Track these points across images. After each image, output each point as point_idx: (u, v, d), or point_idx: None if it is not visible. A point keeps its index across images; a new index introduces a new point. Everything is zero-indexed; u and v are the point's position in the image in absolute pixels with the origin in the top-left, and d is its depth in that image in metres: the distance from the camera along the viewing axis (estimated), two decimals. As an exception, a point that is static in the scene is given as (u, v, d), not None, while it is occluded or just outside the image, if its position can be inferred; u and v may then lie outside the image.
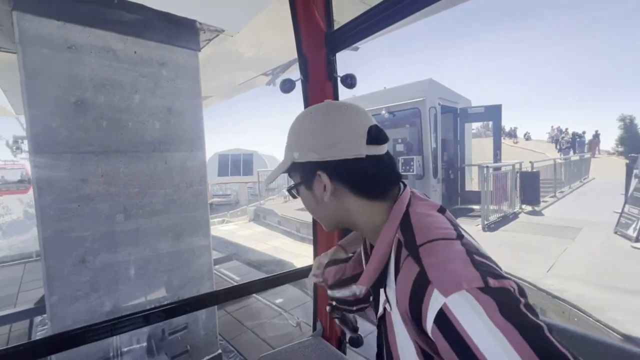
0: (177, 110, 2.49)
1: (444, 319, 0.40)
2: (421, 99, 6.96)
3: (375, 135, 0.58)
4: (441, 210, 0.58)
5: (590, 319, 2.53)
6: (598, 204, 7.47)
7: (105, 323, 1.11)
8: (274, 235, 7.57)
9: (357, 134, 0.58)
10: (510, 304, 0.39)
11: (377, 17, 1.12)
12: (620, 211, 5.32)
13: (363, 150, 0.57)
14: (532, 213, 6.97)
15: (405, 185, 0.62)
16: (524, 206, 7.29)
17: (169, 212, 2.47)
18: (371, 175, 0.59)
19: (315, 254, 1.56)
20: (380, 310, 0.62)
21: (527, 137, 28.18)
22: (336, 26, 1.40)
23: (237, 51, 4.00)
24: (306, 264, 1.50)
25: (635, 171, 4.96)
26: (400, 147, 7.52)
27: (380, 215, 0.59)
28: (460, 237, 0.50)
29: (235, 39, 3.16)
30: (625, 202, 5.30)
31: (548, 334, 0.36)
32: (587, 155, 14.51)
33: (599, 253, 4.24)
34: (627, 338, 2.24)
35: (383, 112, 7.56)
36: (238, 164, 19.04)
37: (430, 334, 0.43)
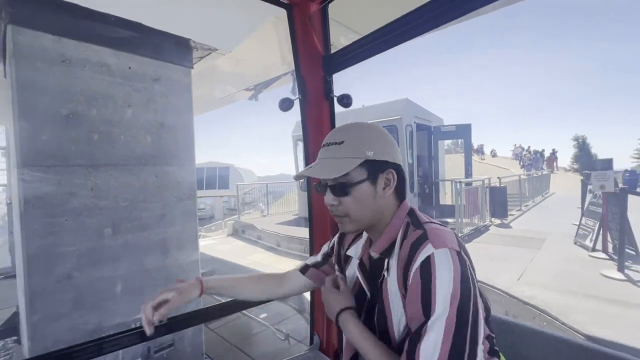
0: (169, 124, 2.52)
1: (427, 263, 0.60)
2: (398, 117, 7.31)
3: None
4: None
5: (557, 322, 2.75)
6: (558, 216, 8.07)
7: (89, 343, 1.07)
8: (254, 250, 7.48)
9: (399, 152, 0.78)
10: (465, 271, 0.60)
11: (369, 45, 1.26)
12: (578, 223, 5.80)
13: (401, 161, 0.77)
14: (501, 225, 7.40)
15: None
16: (493, 219, 7.73)
17: (158, 227, 2.45)
18: (404, 183, 0.77)
19: (312, 253, 1.54)
20: (379, 279, 0.75)
21: (494, 154, 29.93)
22: (332, 49, 1.49)
23: (221, 67, 4.08)
24: None
25: (589, 187, 5.47)
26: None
27: (393, 211, 0.77)
28: (445, 226, 0.71)
29: (222, 56, 3.25)
30: (582, 215, 5.80)
31: (480, 319, 0.60)
32: (547, 172, 15.67)
33: (561, 262, 4.60)
34: (589, 338, 2.46)
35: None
36: (213, 177, 18.70)
37: (411, 275, 0.62)
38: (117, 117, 2.25)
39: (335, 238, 0.98)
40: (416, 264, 0.62)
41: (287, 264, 5.90)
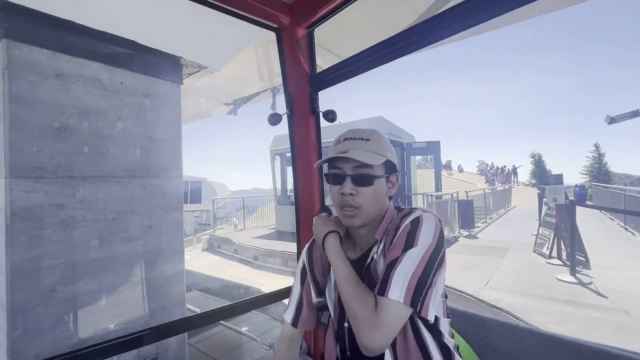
0: (158, 138, 2.58)
1: (416, 220, 0.75)
2: (373, 133, 7.68)
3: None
4: None
5: (521, 322, 3.03)
6: (520, 227, 8.70)
7: (70, 354, 1.06)
8: (231, 265, 7.38)
9: None
10: (442, 236, 0.76)
11: (352, 66, 1.38)
12: (536, 233, 6.32)
13: None
14: (469, 236, 7.86)
15: None
16: (462, 230, 8.20)
17: (145, 239, 2.46)
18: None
19: (299, 255, 1.55)
20: (368, 261, 0.84)
21: (460, 169, 31.60)
22: (318, 69, 1.58)
23: (203, 82, 4.19)
24: (272, 290, 1.52)
25: (544, 200, 6.03)
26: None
27: (384, 211, 0.87)
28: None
29: (204, 72, 3.37)
30: (540, 226, 6.34)
31: (440, 283, 0.75)
32: (508, 186, 16.81)
33: (522, 269, 5.00)
34: (548, 334, 2.74)
35: (339, 144, 8.13)
36: (185, 191, 18.20)
37: (400, 231, 0.75)
38: (107, 131, 2.29)
39: (304, 258, 1.03)
40: (406, 222, 0.76)
41: (267, 278, 5.90)
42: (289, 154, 10.46)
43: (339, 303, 0.87)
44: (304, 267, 1.03)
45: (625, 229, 7.75)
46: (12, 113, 1.91)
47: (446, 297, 0.85)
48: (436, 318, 0.77)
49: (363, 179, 0.80)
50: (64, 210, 2.07)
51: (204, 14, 2.38)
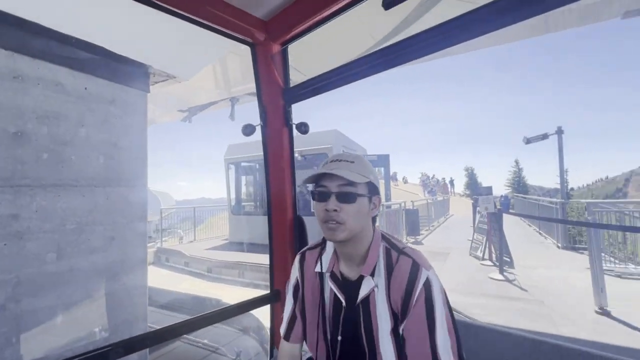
0: (123, 146, 2.51)
1: (428, 283, 0.80)
2: (329, 145, 8.02)
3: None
4: None
5: (462, 315, 3.46)
6: (458, 234, 9.67)
7: None
8: (182, 278, 7.03)
9: None
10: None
11: (324, 82, 1.42)
12: (471, 239, 7.13)
13: None
14: (415, 243, 8.53)
15: None
16: (408, 237, 8.86)
17: (107, 250, 2.36)
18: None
19: (271, 269, 1.64)
20: (365, 292, 0.87)
21: (405, 181, 33.82)
22: (291, 84, 1.61)
23: (167, 90, 4.11)
24: (237, 301, 1.49)
25: (477, 208, 6.86)
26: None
27: (371, 236, 0.91)
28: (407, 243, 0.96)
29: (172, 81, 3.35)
30: (474, 232, 7.17)
31: (453, 313, 0.83)
32: (447, 197, 18.50)
33: (461, 270, 5.62)
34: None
35: (296, 155, 8.32)
36: (127, 201, 16.74)
37: (415, 294, 0.79)
38: (69, 137, 2.19)
39: (297, 271, 1.05)
40: (419, 286, 0.79)
41: (224, 291, 5.76)
42: (244, 163, 10.45)
43: (331, 342, 0.92)
44: (297, 282, 1.04)
45: (540, 233, 9.09)
46: (-37, 116, 1.77)
47: None
48: None
49: (347, 196, 0.84)
50: (18, 221, 1.93)
51: (177, 24, 2.44)
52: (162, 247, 9.08)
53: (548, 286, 4.44)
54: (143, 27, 2.38)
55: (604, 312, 3.42)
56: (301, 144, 8.31)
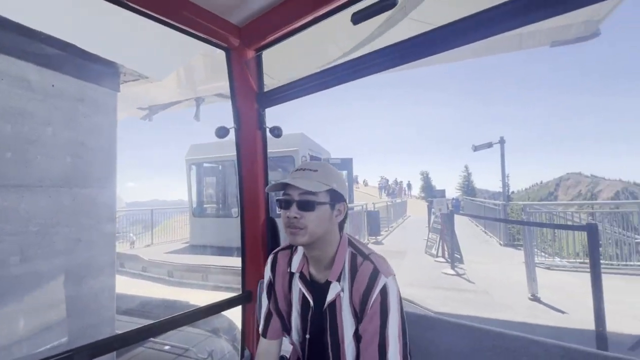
0: (91, 145, 2.45)
1: (384, 289, 0.85)
2: (295, 148, 8.16)
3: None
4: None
5: (418, 307, 3.80)
6: (414, 234, 10.31)
7: None
8: (140, 284, 6.71)
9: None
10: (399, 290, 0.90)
11: (297, 88, 1.46)
12: (426, 238, 7.69)
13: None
14: (376, 242, 8.96)
15: None
16: (370, 237, 9.28)
17: (73, 253, 2.29)
18: (347, 217, 1.00)
19: (243, 270, 1.66)
20: (332, 297, 0.92)
21: (366, 184, 34.97)
22: (266, 88, 1.64)
23: (130, 87, 3.99)
24: (204, 304, 1.47)
25: (432, 210, 7.44)
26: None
27: (338, 242, 0.96)
28: (372, 249, 0.97)
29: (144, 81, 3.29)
30: (429, 232, 7.74)
31: (405, 318, 0.89)
32: (405, 199, 19.53)
33: (417, 267, 6.07)
34: (437, 313, 3.53)
35: (262, 156, 8.35)
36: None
37: (371, 299, 0.84)
38: (34, 136, 2.11)
39: (268, 271, 1.10)
40: (376, 291, 0.84)
41: (188, 296, 5.63)
42: (206, 164, 10.20)
43: (304, 333, 0.98)
44: (270, 281, 1.10)
45: (485, 233, 10.04)
46: None
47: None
48: None
49: (306, 205, 0.89)
50: (-23, 223, 1.83)
51: (151, 25, 2.45)
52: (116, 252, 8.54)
53: (491, 278, 5.00)
54: (115, 26, 2.36)
55: (535, 298, 3.97)
56: (272, 146, 8.36)
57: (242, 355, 1.60)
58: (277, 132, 1.63)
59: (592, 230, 2.54)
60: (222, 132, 1.57)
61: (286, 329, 1.06)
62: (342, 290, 0.91)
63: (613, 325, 2.61)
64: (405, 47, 1.12)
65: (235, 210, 9.06)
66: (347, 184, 1.00)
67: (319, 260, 0.96)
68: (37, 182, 2.12)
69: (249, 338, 1.61)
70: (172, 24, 1.31)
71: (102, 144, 2.54)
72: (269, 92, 1.59)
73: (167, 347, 3.14)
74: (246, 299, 1.61)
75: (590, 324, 2.60)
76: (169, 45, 2.76)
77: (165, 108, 6.32)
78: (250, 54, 1.60)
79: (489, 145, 8.71)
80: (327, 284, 0.93)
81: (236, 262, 6.74)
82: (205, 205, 10.25)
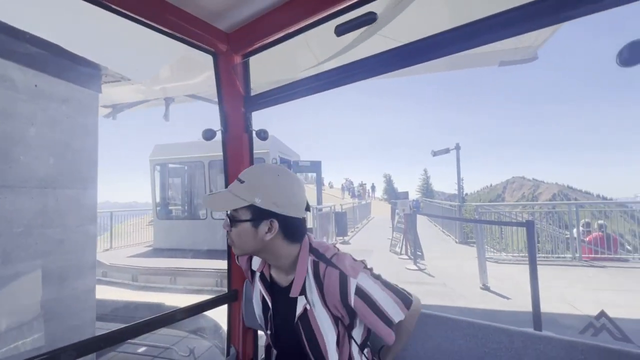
0: (74, 147, 2.45)
1: (360, 291, 0.80)
2: (265, 150, 8.26)
3: (308, 205, 0.89)
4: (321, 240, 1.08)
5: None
6: (379, 233, 10.84)
7: None
8: (101, 290, 6.40)
9: (304, 202, 0.86)
10: (373, 273, 0.86)
11: (283, 93, 1.47)
12: (391, 237, 8.19)
13: (303, 214, 0.86)
14: (343, 242, 9.32)
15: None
16: (337, 238, 9.62)
17: (56, 254, 2.29)
18: (300, 229, 0.87)
19: (229, 269, 1.65)
20: (300, 310, 0.85)
21: (331, 186, 35.62)
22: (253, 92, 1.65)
23: (110, 88, 3.93)
24: (183, 305, 1.43)
25: (396, 210, 7.94)
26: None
27: (294, 250, 0.87)
28: (337, 249, 0.90)
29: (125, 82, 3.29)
30: (393, 231, 8.25)
31: (388, 281, 0.87)
32: (369, 200, 20.27)
33: (383, 263, 6.48)
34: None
35: (232, 158, 8.35)
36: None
37: (353, 304, 0.80)
38: (17, 136, 2.10)
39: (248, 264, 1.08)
40: (352, 297, 0.80)
41: (152, 298, 5.51)
42: (172, 165, 9.93)
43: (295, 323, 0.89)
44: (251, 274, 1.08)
45: (443, 232, 10.86)
46: None
47: None
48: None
49: (230, 221, 0.84)
50: (-40, 224, 1.80)
51: (134, 27, 2.51)
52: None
53: (448, 272, 5.53)
54: (99, 28, 2.39)
55: (486, 287, 4.50)
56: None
57: (228, 353, 1.61)
58: (263, 134, 1.64)
59: (530, 226, 3.03)
60: (209, 134, 1.56)
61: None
62: (311, 304, 0.85)
63: (547, 306, 3.12)
64: (386, 57, 1.19)
65: (203, 213, 8.92)
66: (295, 192, 0.84)
67: (275, 266, 0.92)
68: (20, 183, 2.10)
69: (235, 336, 1.63)
70: (161, 28, 1.32)
71: (85, 145, 2.54)
72: (255, 96, 1.62)
73: (144, 349, 3.15)
74: (232, 297, 1.64)
75: (527, 306, 3.09)
76: (153, 47, 2.81)
77: (132, 107, 6.15)
78: (238, 59, 1.63)
79: (447, 150, 9.48)
80: (289, 287, 0.87)
81: (206, 264, 6.70)
82: (170, 207, 9.95)
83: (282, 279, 0.92)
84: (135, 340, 3.14)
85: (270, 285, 0.94)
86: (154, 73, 3.07)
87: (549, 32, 3.59)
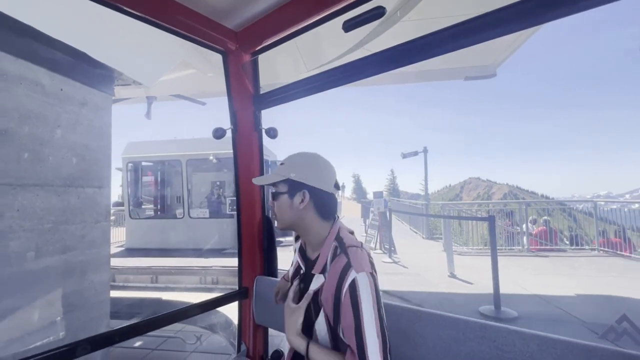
0: (92, 147, 2.59)
1: (353, 284, 0.81)
2: (246, 150, 8.42)
3: (337, 184, 1.01)
4: (351, 233, 1.01)
5: (409, 304, 4.58)
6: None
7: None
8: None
9: (333, 180, 0.99)
10: (376, 286, 0.83)
11: (293, 90, 1.47)
12: (365, 234, 8.73)
13: (332, 190, 0.98)
14: (320, 240, 9.72)
15: (337, 217, 1.01)
16: (314, 236, 9.99)
17: (77, 249, 2.43)
18: (329, 204, 0.98)
19: (240, 267, 1.71)
20: (317, 286, 0.92)
21: (301, 185, 35.98)
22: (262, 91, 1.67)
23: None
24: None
25: (371, 208, 8.49)
26: (224, 190, 8.53)
27: (323, 230, 0.96)
28: (362, 245, 0.94)
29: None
30: (368, 228, 8.80)
31: (383, 315, 0.82)
32: (340, 200, 20.90)
33: (361, 258, 6.97)
34: (385, 292, 4.35)
35: (212, 157, 8.40)
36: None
37: (343, 293, 0.82)
38: (47, 137, 2.23)
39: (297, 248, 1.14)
40: (345, 287, 0.81)
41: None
42: (145, 163, 9.73)
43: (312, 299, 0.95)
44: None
45: (411, 229, 11.66)
46: (-48, 112, 1.72)
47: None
48: None
49: (273, 195, 1.00)
50: (2, 220, 1.93)
51: (147, 31, 2.69)
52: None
53: (420, 263, 6.14)
54: (114, 32, 2.56)
55: (453, 275, 5.13)
56: (221, 147, 8.43)
57: (239, 349, 1.63)
58: (273, 133, 1.63)
59: (491, 221, 3.62)
60: (218, 133, 1.57)
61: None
62: (325, 284, 0.90)
63: (503, 289, 3.72)
64: (396, 52, 1.15)
65: (180, 212, 8.84)
66: (323, 170, 0.98)
67: (306, 241, 1.03)
68: (49, 182, 2.23)
69: (245, 333, 1.64)
70: (171, 28, 1.34)
71: (101, 146, 2.67)
72: (265, 94, 1.61)
73: (153, 336, 3.30)
74: (243, 295, 1.65)
75: (487, 289, 3.69)
76: (163, 51, 2.99)
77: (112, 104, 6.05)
78: (247, 57, 1.62)
79: (415, 153, 10.24)
80: (314, 263, 0.96)
81: (183, 262, 6.75)
82: (143, 206, 9.70)
83: (310, 253, 1.02)
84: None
85: (305, 254, 1.05)
86: (161, 76, 3.22)
87: (505, 54, 4.23)
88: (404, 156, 10.67)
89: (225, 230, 8.47)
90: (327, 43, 2.69)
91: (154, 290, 6.10)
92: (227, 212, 8.37)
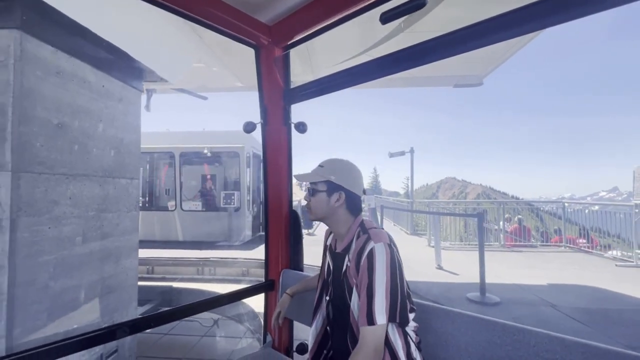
0: (126, 141, 2.75)
1: (371, 252, 0.97)
2: (241, 145, 8.55)
3: (364, 190, 1.22)
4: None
5: (437, 304, 4.93)
6: (339, 226, 11.72)
7: (47, 346, 1.11)
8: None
9: (362, 185, 1.20)
10: (394, 256, 0.99)
11: (321, 85, 1.48)
12: (354, 229, 9.11)
13: (361, 193, 1.18)
14: (309, 234, 10.01)
15: (362, 212, 1.19)
16: (304, 230, 10.26)
17: (113, 235, 2.59)
18: (357, 204, 1.17)
19: (267, 259, 1.79)
20: (344, 268, 1.10)
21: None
22: (292, 84, 1.68)
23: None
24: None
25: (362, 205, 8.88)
26: (217, 183, 8.63)
27: (350, 222, 1.14)
28: (382, 228, 1.11)
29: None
30: (356, 223, 9.18)
31: (405, 288, 1.01)
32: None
33: (352, 252, 7.34)
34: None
35: (205, 151, 8.47)
36: None
37: (362, 260, 0.98)
38: (92, 131, 2.38)
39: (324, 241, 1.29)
40: (365, 254, 0.97)
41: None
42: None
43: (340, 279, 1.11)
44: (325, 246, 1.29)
45: (395, 225, 12.19)
46: (22, 106, 1.86)
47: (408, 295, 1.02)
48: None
49: (310, 192, 1.15)
50: (58, 207, 2.11)
51: (178, 28, 2.85)
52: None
53: (408, 257, 6.58)
54: (146, 30, 2.71)
55: (440, 267, 5.60)
56: (215, 142, 8.51)
57: (265, 340, 1.68)
58: (302, 127, 1.65)
59: (480, 217, 4.05)
60: (249, 127, 1.59)
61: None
62: (350, 260, 1.07)
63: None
64: (428, 46, 1.13)
65: (172, 204, 8.83)
66: (356, 177, 1.15)
67: (336, 234, 1.18)
68: (93, 172, 2.39)
69: (271, 324, 1.66)
70: (206, 22, 1.36)
71: (132, 140, 2.83)
72: (295, 88, 1.63)
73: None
74: (269, 287, 1.70)
75: (470, 279, 4.14)
76: (185, 47, 3.15)
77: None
78: (279, 51, 1.62)
79: (402, 153, 10.72)
80: (342, 254, 1.12)
81: (172, 254, 6.85)
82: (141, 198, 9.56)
83: (338, 246, 1.16)
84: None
85: (333, 253, 1.19)
86: (184, 73, 3.37)
87: (491, 67, 4.67)
88: (391, 155, 11.13)
89: (216, 223, 8.59)
90: (359, 37, 2.76)
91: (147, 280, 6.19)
92: (221, 206, 8.48)
